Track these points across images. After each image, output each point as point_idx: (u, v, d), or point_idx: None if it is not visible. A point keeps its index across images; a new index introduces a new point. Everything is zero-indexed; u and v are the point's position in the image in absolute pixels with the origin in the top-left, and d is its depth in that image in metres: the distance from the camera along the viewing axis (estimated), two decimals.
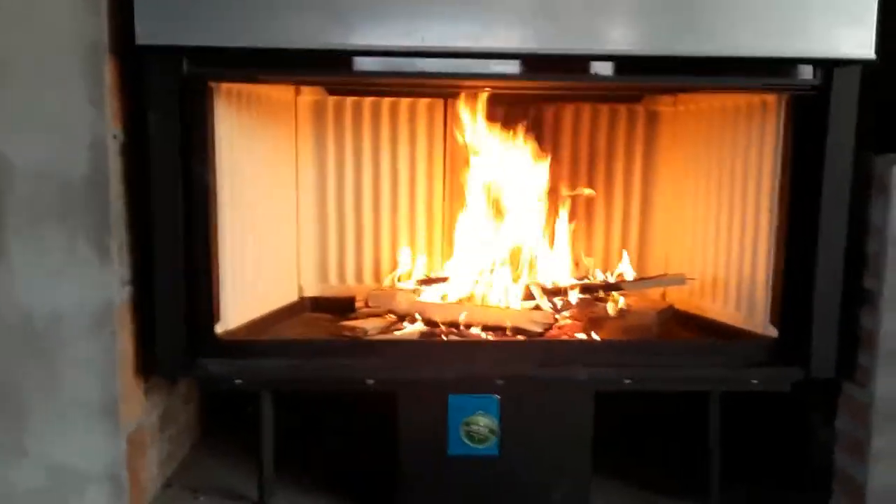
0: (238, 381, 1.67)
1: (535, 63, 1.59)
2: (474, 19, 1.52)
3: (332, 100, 2.15)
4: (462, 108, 2.03)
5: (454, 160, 2.20)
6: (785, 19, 1.55)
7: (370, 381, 1.70)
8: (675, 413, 2.09)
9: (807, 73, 1.62)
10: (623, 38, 1.56)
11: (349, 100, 2.16)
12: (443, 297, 2.00)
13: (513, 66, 1.59)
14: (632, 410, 2.10)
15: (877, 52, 1.56)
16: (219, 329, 1.71)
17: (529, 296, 1.95)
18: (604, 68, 1.62)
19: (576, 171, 2.22)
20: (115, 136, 1.52)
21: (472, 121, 2.04)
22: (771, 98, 1.78)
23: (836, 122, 1.62)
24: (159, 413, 1.80)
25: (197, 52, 1.53)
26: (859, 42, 1.56)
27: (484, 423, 1.73)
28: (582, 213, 2.21)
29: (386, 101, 2.17)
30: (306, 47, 1.52)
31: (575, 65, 1.61)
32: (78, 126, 1.48)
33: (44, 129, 1.48)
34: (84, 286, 1.52)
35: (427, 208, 2.23)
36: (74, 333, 1.53)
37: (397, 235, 2.22)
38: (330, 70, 1.63)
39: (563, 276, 2.06)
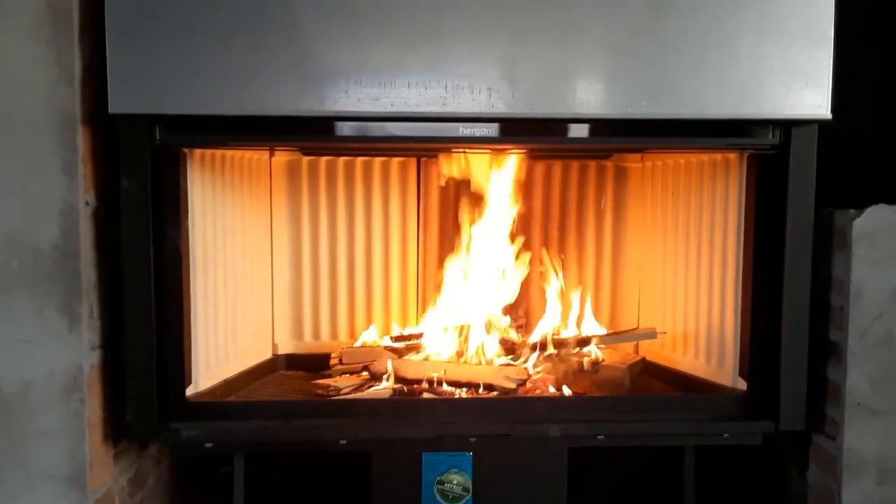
0: (209, 445, 1.66)
1: (502, 126, 1.62)
2: (440, 85, 1.56)
3: (306, 160, 2.18)
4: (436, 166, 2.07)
5: (427, 217, 2.22)
6: (744, 82, 1.60)
7: (343, 442, 1.70)
8: (650, 465, 2.08)
9: (766, 132, 1.66)
10: (587, 101, 1.60)
11: (323, 160, 2.19)
12: (416, 354, 2.01)
13: (480, 129, 1.62)
14: (606, 462, 2.09)
15: (832, 111, 1.62)
16: (190, 391, 1.70)
17: (503, 352, 1.97)
18: (569, 130, 1.66)
19: (547, 226, 2.25)
20: (87, 203, 1.53)
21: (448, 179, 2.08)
22: (733, 155, 1.83)
23: (795, 178, 1.66)
24: (129, 476, 1.77)
25: (170, 120, 1.56)
26: (815, 103, 1.62)
27: (457, 480, 1.73)
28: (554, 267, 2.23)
29: (360, 161, 2.20)
30: (278, 114, 1.55)
31: (541, 127, 1.64)
32: (49, 194, 1.49)
33: (15, 198, 1.49)
34: (53, 354, 1.51)
35: (401, 265, 2.24)
36: (42, 401, 1.51)
37: (372, 292, 2.24)
38: (301, 135, 1.66)
39: (535, 331, 2.07)
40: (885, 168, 1.98)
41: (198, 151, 1.75)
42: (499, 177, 2.08)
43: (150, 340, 1.60)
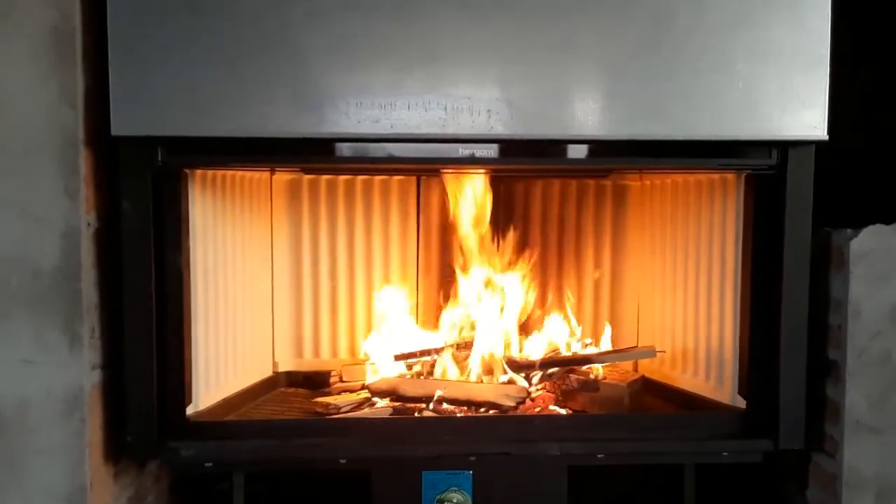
0: (208, 465, 1.67)
1: (501, 147, 1.64)
2: (440, 107, 1.57)
3: (307, 178, 2.19)
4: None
5: (427, 236, 2.23)
6: (741, 104, 1.61)
7: (343, 461, 1.70)
8: (650, 482, 2.08)
9: (763, 153, 1.67)
10: (586, 122, 1.61)
11: (324, 178, 2.20)
12: (416, 373, 2.01)
13: (480, 150, 1.63)
14: (607, 479, 2.09)
15: (829, 132, 1.63)
16: (190, 410, 1.71)
17: (503, 370, 1.97)
18: (567, 151, 1.68)
19: (546, 244, 2.26)
20: (89, 224, 1.55)
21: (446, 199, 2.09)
22: (731, 175, 1.83)
23: (792, 198, 1.67)
24: (129, 494, 1.77)
25: (171, 142, 1.57)
26: (812, 124, 1.63)
27: (457, 499, 1.73)
28: (554, 286, 2.24)
29: (360, 179, 2.21)
30: (278, 136, 1.57)
31: (539, 148, 1.66)
32: (52, 216, 1.50)
33: (17, 219, 1.50)
34: (53, 374, 1.51)
35: (401, 283, 2.24)
36: (43, 421, 1.52)
37: (372, 310, 2.24)
38: (302, 157, 1.68)
39: (535, 349, 2.08)
40: (882, 186, 1.99)
41: (199, 172, 1.76)
42: (497, 196, 2.10)
43: (151, 360, 1.61)
